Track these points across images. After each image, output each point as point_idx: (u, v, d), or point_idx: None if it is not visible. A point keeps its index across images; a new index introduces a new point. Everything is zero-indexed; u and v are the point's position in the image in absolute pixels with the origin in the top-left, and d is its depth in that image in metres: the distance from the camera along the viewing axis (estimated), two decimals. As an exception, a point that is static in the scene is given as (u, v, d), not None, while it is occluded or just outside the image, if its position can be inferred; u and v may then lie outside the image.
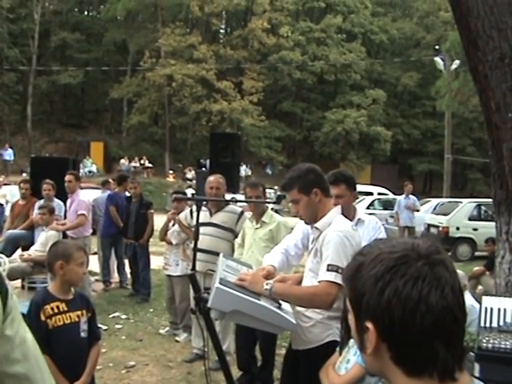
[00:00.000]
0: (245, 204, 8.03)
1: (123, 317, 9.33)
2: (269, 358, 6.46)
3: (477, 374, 3.95)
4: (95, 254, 12.27)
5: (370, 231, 4.86)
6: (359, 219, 4.92)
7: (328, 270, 3.54)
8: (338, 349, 3.38)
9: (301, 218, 3.98)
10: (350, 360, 3.19)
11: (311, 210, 3.83)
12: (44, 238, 9.04)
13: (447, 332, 1.29)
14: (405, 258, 1.31)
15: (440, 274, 1.30)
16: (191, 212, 7.29)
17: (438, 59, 32.31)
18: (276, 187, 30.59)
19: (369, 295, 1.32)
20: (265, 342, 6.44)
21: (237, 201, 6.61)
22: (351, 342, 3.16)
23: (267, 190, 8.15)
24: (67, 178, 10.01)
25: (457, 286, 1.33)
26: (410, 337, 1.28)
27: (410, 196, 17.96)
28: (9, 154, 37.15)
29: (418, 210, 18.29)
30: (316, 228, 3.81)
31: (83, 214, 9.71)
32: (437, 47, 44.34)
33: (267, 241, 6.24)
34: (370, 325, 1.32)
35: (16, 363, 1.44)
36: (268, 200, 6.86)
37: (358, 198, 5.13)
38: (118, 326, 8.78)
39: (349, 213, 4.71)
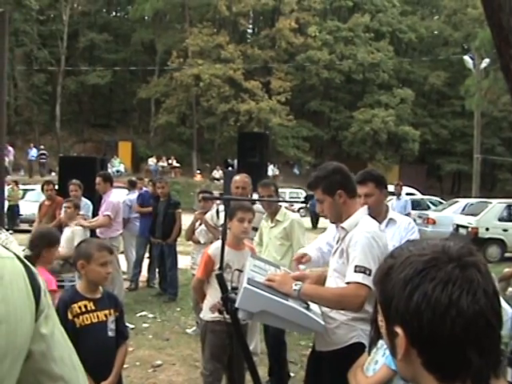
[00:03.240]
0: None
1: (150, 316, 9.36)
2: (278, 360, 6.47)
3: (509, 379, 3.87)
4: (122, 253, 12.32)
5: (402, 231, 4.77)
6: (391, 219, 4.85)
7: (355, 271, 3.49)
8: (366, 350, 3.34)
9: (326, 218, 3.96)
10: (378, 361, 3.15)
11: (335, 211, 3.79)
12: (70, 233, 9.01)
13: (480, 337, 1.24)
14: (434, 261, 1.27)
15: (472, 276, 1.25)
16: (217, 212, 7.28)
17: (466, 58, 32.00)
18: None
19: (397, 299, 1.29)
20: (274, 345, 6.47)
21: (263, 200, 6.55)
22: (380, 342, 3.11)
23: (295, 190, 8.09)
24: (96, 180, 10.06)
25: (491, 290, 1.27)
26: (440, 343, 1.24)
27: (401, 197, 17.20)
28: (33, 154, 37.55)
29: (407, 214, 16.16)
30: (342, 228, 3.76)
31: (107, 215, 9.74)
32: (465, 46, 43.96)
33: (282, 239, 6.28)
34: (399, 330, 1.29)
35: (52, 362, 1.40)
36: (296, 200, 6.80)
37: (387, 196, 5.00)
38: (145, 325, 8.81)
39: (379, 212, 4.65)
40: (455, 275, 1.24)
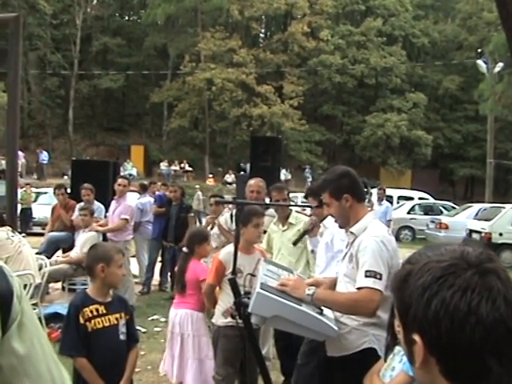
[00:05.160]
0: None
1: (162, 320, 9.33)
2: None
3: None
4: (133, 256, 12.32)
5: None
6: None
7: (366, 276, 3.48)
8: (382, 356, 3.31)
9: (335, 221, 3.96)
10: (395, 367, 3.12)
11: (342, 215, 3.80)
12: (83, 239, 9.12)
13: (500, 345, 1.20)
14: (453, 268, 1.24)
15: (491, 283, 1.22)
16: (231, 216, 7.27)
17: (480, 62, 31.86)
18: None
19: (415, 306, 1.26)
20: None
21: (278, 204, 6.54)
22: (396, 348, 3.08)
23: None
24: (121, 181, 10.07)
25: (511, 297, 1.24)
26: (459, 351, 1.21)
27: (383, 202, 16.37)
28: (45, 158, 37.66)
29: (389, 221, 15.74)
30: (351, 233, 3.76)
31: (126, 219, 9.76)
32: (479, 50, 43.69)
33: None
34: (417, 337, 1.26)
35: (25, 378, 1.26)
36: (309, 204, 6.76)
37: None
38: (157, 329, 8.79)
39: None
40: (474, 282, 1.22)
